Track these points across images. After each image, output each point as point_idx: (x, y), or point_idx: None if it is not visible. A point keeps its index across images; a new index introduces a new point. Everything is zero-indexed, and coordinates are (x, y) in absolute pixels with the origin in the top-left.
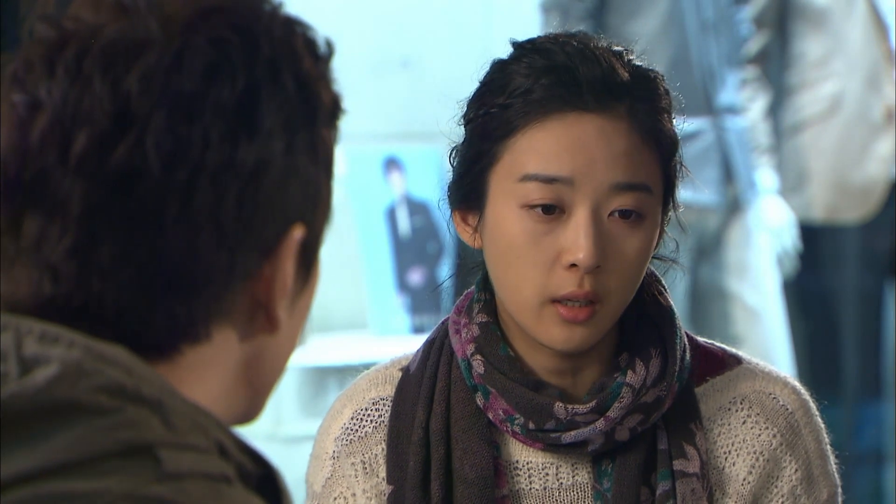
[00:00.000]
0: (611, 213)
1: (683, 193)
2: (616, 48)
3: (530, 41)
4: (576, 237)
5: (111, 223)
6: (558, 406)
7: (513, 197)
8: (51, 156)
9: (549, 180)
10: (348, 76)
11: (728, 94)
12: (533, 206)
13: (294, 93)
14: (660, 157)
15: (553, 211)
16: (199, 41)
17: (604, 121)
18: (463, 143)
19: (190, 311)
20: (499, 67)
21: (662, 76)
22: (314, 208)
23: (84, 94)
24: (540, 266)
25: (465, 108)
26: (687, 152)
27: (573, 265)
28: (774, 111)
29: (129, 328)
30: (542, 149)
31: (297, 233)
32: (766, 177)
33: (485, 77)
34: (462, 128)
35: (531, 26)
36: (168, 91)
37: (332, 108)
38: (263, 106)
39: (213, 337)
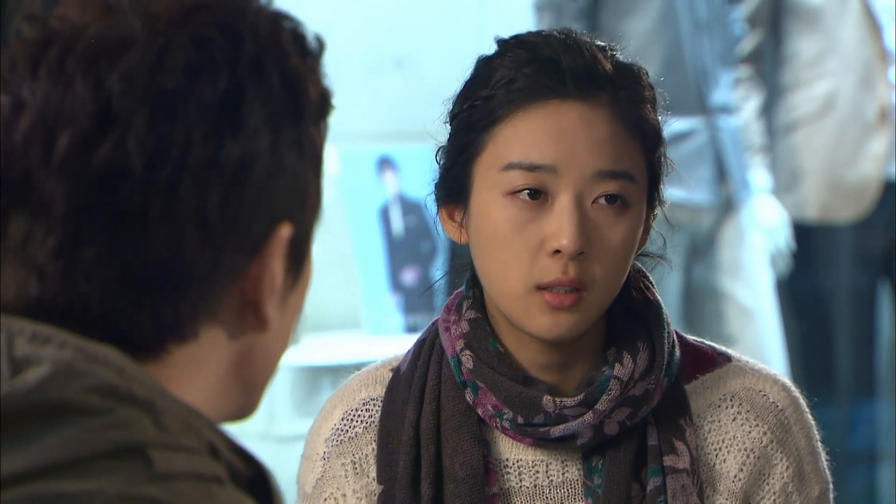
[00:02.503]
0: (595, 199)
1: (677, 193)
2: (600, 43)
3: (514, 37)
4: (559, 223)
5: (95, 223)
6: (546, 399)
7: (496, 186)
8: (34, 156)
9: (532, 168)
10: (342, 76)
11: (721, 93)
12: (517, 192)
13: (280, 89)
14: (643, 148)
15: (538, 196)
16: (182, 40)
17: (586, 108)
18: (448, 139)
19: (176, 311)
20: (484, 63)
21: (646, 71)
22: (302, 206)
23: (66, 95)
24: (524, 253)
25: (451, 106)
26: (680, 152)
27: (557, 251)
28: (768, 110)
29: (116, 328)
30: (524, 137)
31: (285, 231)
32: (759, 176)
33: (470, 73)
34: (449, 127)
35: (525, 26)
36: (150, 90)
37: (321, 105)
38: (247, 103)
39: (201, 336)
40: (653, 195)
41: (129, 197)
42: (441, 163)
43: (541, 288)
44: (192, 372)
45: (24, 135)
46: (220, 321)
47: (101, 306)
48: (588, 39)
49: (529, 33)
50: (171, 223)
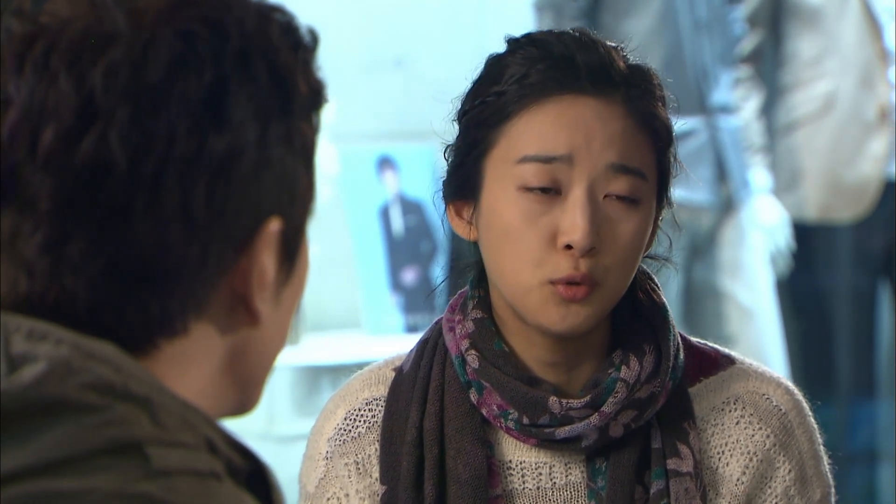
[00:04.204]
0: (606, 195)
1: (677, 192)
2: (611, 43)
3: (526, 35)
4: (572, 218)
5: (80, 218)
6: (552, 400)
7: (510, 179)
8: (20, 151)
9: (547, 160)
10: (342, 75)
11: (721, 93)
12: (530, 189)
13: (267, 83)
14: (655, 146)
15: (550, 191)
16: (167, 34)
17: (600, 104)
18: (457, 136)
19: (164, 305)
20: (494, 60)
21: (656, 71)
22: (292, 200)
23: (50, 90)
24: (536, 248)
25: (460, 105)
26: (680, 151)
27: (569, 246)
28: (768, 110)
29: (105, 324)
30: (539, 130)
31: (274, 225)
32: (759, 176)
33: (480, 71)
34: (456, 126)
35: (525, 25)
36: (133, 84)
37: (312, 98)
38: (232, 97)
39: (191, 331)
40: (662, 195)
41: (112, 191)
42: (449, 160)
43: (552, 282)
44: (184, 367)
45: (10, 130)
46: (209, 316)
47: (88, 302)
48: (602, 39)
49: (541, 32)
50: (156, 217)
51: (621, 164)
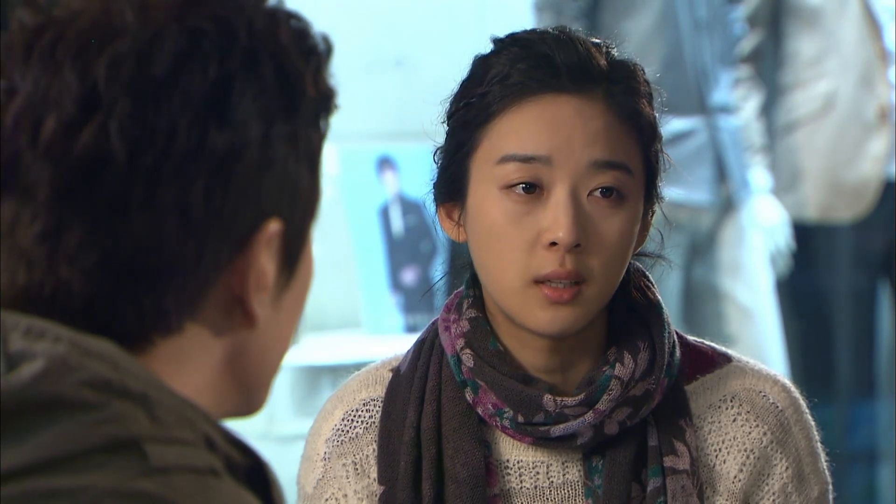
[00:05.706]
0: (591, 192)
1: (677, 193)
2: (595, 40)
3: (509, 35)
4: (555, 215)
5: (78, 208)
6: (547, 398)
7: (492, 180)
8: (22, 140)
9: (526, 160)
10: (342, 75)
11: (721, 93)
12: (512, 186)
13: (273, 84)
14: (639, 141)
15: (533, 190)
16: (174, 30)
17: (580, 101)
18: (445, 138)
19: (157, 301)
20: (479, 61)
21: (642, 67)
22: (293, 202)
23: (54, 79)
24: (521, 247)
25: (448, 106)
26: (680, 151)
27: (554, 244)
28: (768, 110)
29: (99, 318)
30: (519, 129)
31: (273, 226)
32: (759, 176)
33: (466, 73)
34: (445, 127)
35: (525, 26)
36: (136, 77)
37: (321, 104)
38: (236, 95)
39: (186, 329)
40: (650, 191)
41: (110, 183)
42: (438, 162)
43: (538, 282)
44: (179, 365)
45: (14, 119)
46: (205, 315)
47: (82, 294)
48: (583, 36)
49: (524, 31)
50: (152, 212)
51: (604, 159)
